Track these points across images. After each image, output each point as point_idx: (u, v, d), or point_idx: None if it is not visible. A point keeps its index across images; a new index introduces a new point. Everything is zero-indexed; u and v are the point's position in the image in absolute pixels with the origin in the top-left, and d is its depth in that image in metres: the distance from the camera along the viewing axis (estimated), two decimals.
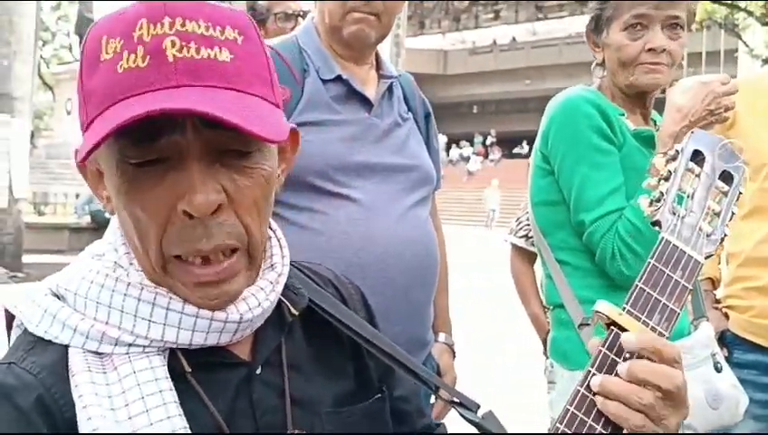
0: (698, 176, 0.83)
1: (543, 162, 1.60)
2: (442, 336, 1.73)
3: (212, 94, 0.65)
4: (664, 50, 1.52)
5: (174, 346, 0.71)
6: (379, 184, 1.46)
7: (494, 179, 24.95)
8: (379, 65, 1.60)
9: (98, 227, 12.70)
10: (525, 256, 2.66)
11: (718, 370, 1.55)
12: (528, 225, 2.62)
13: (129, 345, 0.70)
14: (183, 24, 0.66)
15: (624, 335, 0.74)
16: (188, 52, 0.66)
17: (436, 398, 0.88)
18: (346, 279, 0.94)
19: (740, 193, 0.84)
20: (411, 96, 1.65)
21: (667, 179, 0.83)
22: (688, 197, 0.82)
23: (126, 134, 0.64)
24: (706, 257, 0.80)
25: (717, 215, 0.82)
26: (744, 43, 19.50)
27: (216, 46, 0.67)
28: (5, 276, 8.99)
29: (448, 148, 37.42)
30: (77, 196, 14.00)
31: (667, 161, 0.84)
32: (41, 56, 27.32)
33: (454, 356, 1.75)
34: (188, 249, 0.68)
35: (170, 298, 0.70)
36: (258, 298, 0.74)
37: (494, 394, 4.61)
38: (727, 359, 1.71)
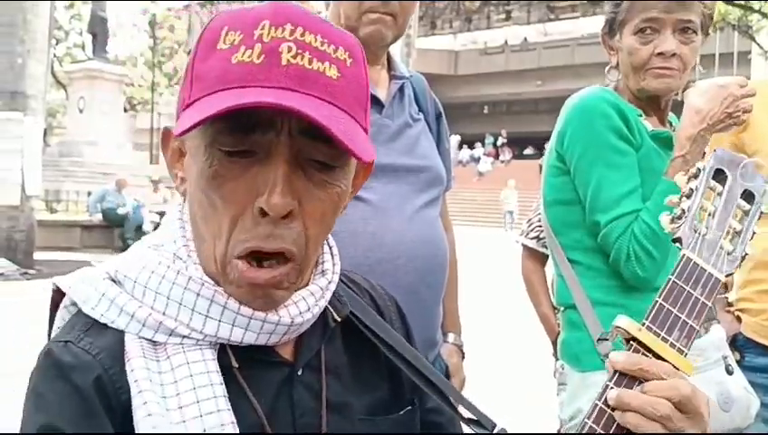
0: (720, 194, 0.84)
1: (558, 161, 1.59)
2: (451, 337, 1.73)
3: (315, 104, 0.67)
4: (674, 54, 1.51)
5: (226, 342, 0.73)
6: (389, 184, 1.46)
7: (511, 180, 24.83)
8: (390, 66, 1.60)
9: (109, 224, 12.80)
10: (536, 257, 2.66)
11: (730, 372, 1.55)
12: (539, 226, 2.62)
13: (184, 337, 0.71)
14: (302, 34, 0.69)
15: (612, 354, 0.75)
16: (302, 60, 0.69)
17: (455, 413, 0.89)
18: (382, 289, 0.96)
19: (761, 213, 0.84)
20: (423, 96, 1.65)
21: (688, 197, 0.83)
22: (710, 215, 0.82)
23: (224, 121, 0.67)
24: (727, 276, 0.81)
25: (738, 234, 0.83)
26: (758, 44, 19.39)
27: (327, 61, 0.70)
28: (17, 273, 9.06)
29: (461, 147, 37.42)
30: (89, 194, 14.07)
31: (689, 179, 0.85)
32: (54, 55, 27.50)
33: (463, 357, 1.75)
34: (253, 245, 0.69)
35: (228, 297, 0.72)
36: (308, 302, 0.76)
37: (503, 395, 4.61)
38: (739, 362, 1.70)
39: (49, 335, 0.77)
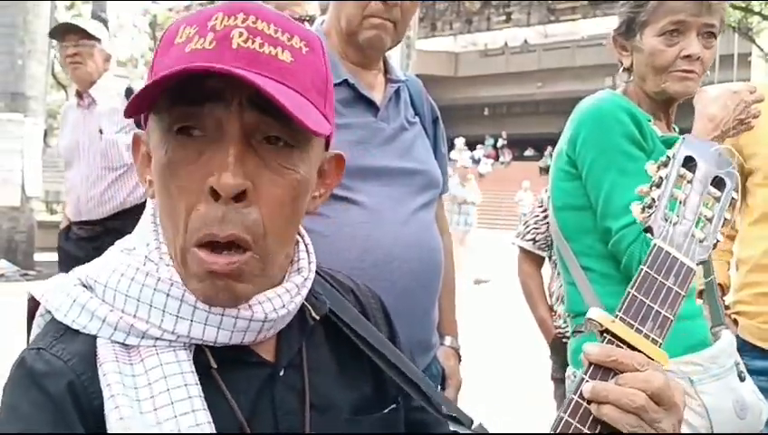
0: (690, 182, 0.83)
1: (569, 166, 1.57)
2: (448, 340, 1.72)
3: (264, 80, 0.67)
4: (698, 57, 1.50)
5: (200, 343, 0.72)
6: (384, 187, 1.46)
7: (526, 181, 24.73)
8: (386, 69, 1.60)
9: None
10: (533, 260, 2.66)
11: (742, 379, 1.53)
12: (536, 228, 2.63)
13: (156, 339, 0.71)
14: (254, 22, 0.71)
15: (585, 346, 0.75)
16: (252, 44, 0.70)
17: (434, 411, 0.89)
18: (367, 289, 0.95)
19: (733, 199, 0.84)
20: (419, 100, 1.65)
21: (658, 186, 0.83)
22: (680, 203, 0.82)
23: (174, 98, 0.68)
24: (699, 264, 0.80)
25: (710, 221, 0.82)
26: (758, 46, 19.35)
27: (280, 47, 0.71)
28: (18, 274, 9.05)
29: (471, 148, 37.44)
30: None
31: (659, 167, 0.84)
32: (55, 56, 27.49)
33: (460, 360, 1.74)
34: (206, 231, 0.68)
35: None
36: (283, 300, 0.76)
37: (499, 397, 4.60)
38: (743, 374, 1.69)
39: (28, 344, 0.77)
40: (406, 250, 1.44)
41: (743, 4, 16.68)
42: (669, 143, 1.53)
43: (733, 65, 28.45)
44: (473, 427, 0.85)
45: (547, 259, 2.74)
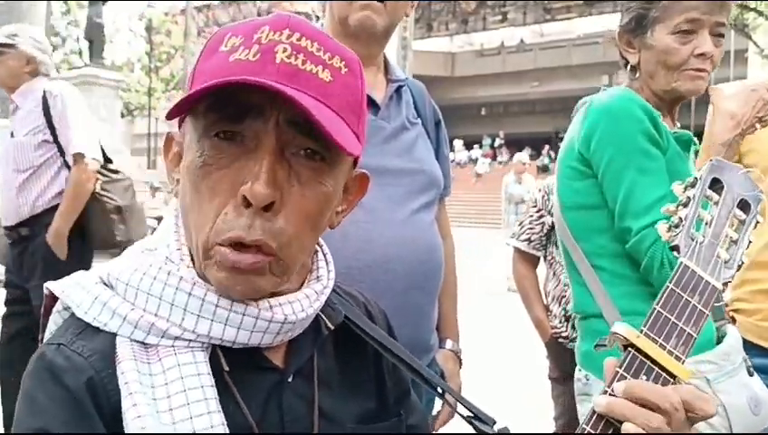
0: (717, 203, 0.85)
1: (581, 164, 1.52)
2: (448, 343, 1.71)
3: (303, 97, 0.69)
4: (711, 56, 1.49)
5: (218, 342, 0.73)
6: (382, 186, 1.44)
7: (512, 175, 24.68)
8: (387, 69, 1.59)
9: None
10: (528, 260, 2.66)
11: (750, 374, 1.52)
12: (531, 228, 2.62)
13: (176, 338, 0.72)
14: (299, 39, 0.72)
15: (617, 385, 0.74)
16: (295, 60, 0.71)
17: (441, 410, 0.90)
18: (375, 303, 0.97)
19: (757, 222, 0.85)
20: (421, 103, 1.64)
21: (685, 205, 0.84)
22: (706, 224, 0.83)
23: (216, 109, 0.70)
24: (724, 284, 0.81)
25: (734, 242, 0.83)
26: (755, 43, 19.40)
27: (321, 65, 0.73)
28: None
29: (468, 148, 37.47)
30: None
31: (686, 187, 0.86)
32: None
33: (460, 364, 1.73)
34: (234, 235, 0.70)
35: (220, 296, 0.73)
36: (303, 304, 0.77)
37: (495, 397, 4.60)
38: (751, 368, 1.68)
39: (40, 340, 0.78)
40: (403, 250, 1.43)
41: (738, 2, 16.71)
42: (681, 139, 1.52)
43: (729, 62, 28.50)
44: (496, 427, 0.86)
45: (542, 259, 2.73)
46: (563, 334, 2.60)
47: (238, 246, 0.70)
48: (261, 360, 0.77)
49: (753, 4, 16.99)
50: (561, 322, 2.60)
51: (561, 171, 1.59)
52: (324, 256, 0.86)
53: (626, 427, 0.72)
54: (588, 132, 1.50)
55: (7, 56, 3.09)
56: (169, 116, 0.72)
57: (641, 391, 0.73)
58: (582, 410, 1.60)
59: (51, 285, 0.77)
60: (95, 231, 3.02)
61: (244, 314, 0.73)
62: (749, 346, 1.80)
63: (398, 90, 1.58)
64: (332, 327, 0.83)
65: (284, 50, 0.71)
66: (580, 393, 1.60)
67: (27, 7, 9.11)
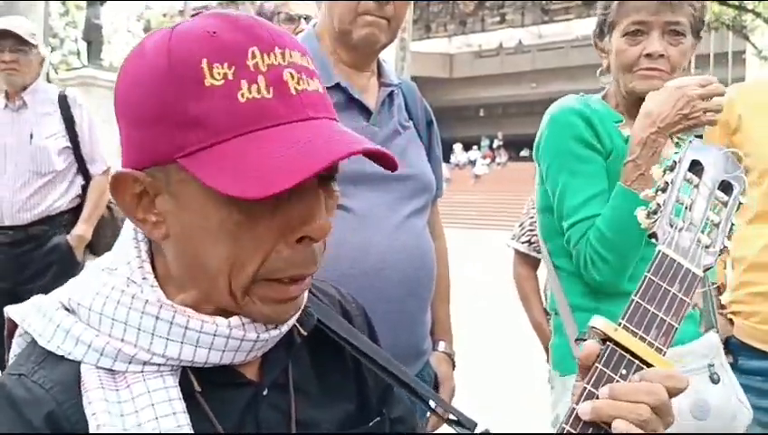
0: (697, 186, 0.82)
1: (540, 170, 1.64)
2: (442, 345, 1.71)
3: (335, 126, 0.69)
4: (661, 55, 1.51)
5: (189, 364, 0.71)
6: (375, 193, 1.44)
7: None
8: (380, 73, 1.58)
9: None
10: (528, 262, 2.63)
11: (714, 381, 1.52)
12: (531, 230, 2.61)
13: (144, 363, 0.69)
14: (291, 55, 0.69)
15: (601, 391, 0.73)
16: (303, 84, 0.68)
17: (431, 414, 0.88)
18: (351, 298, 0.95)
19: (740, 204, 0.82)
20: (413, 103, 1.63)
21: (664, 190, 0.81)
22: (686, 208, 0.80)
23: None
24: (705, 270, 0.79)
25: (717, 226, 0.81)
26: (753, 44, 19.42)
27: (314, 77, 0.71)
28: None
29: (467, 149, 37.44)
30: None
31: (665, 172, 0.83)
32: (49, 62, 27.43)
33: (454, 366, 1.73)
34: (296, 272, 0.71)
35: (189, 317, 0.70)
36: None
37: (495, 401, 4.60)
38: (732, 365, 1.68)
39: (3, 365, 0.75)
40: (397, 258, 1.42)
41: (736, 3, 16.74)
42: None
43: (727, 63, 28.54)
44: (477, 430, 0.84)
45: (543, 261, 2.72)
46: None
47: (294, 279, 0.71)
48: (233, 376, 0.74)
49: (750, 6, 17.00)
50: None
51: (537, 176, 1.68)
52: None
53: (617, 426, 0.70)
54: (537, 141, 1.63)
55: (32, 55, 3.12)
56: (265, 197, 0.63)
57: (626, 395, 0.71)
58: (552, 402, 1.67)
59: (10, 311, 0.74)
60: (102, 238, 3.13)
61: (215, 335, 0.70)
62: (747, 349, 1.80)
63: (391, 93, 1.56)
64: (305, 334, 0.81)
65: (291, 76, 0.67)
66: (550, 387, 1.68)
67: (25, 7, 9.09)
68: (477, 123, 44.17)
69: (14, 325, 0.75)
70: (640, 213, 0.83)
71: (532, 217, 2.65)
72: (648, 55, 1.51)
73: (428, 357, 1.59)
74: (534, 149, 1.64)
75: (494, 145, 38.87)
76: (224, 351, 0.71)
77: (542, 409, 2.83)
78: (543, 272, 2.74)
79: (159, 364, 0.70)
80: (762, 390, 1.73)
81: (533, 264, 2.62)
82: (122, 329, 0.69)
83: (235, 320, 0.72)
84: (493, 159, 37.47)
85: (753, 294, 1.82)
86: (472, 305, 8.64)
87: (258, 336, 0.72)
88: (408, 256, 1.44)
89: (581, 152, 1.52)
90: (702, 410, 1.47)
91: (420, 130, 1.63)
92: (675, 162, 0.83)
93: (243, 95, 0.65)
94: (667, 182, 0.82)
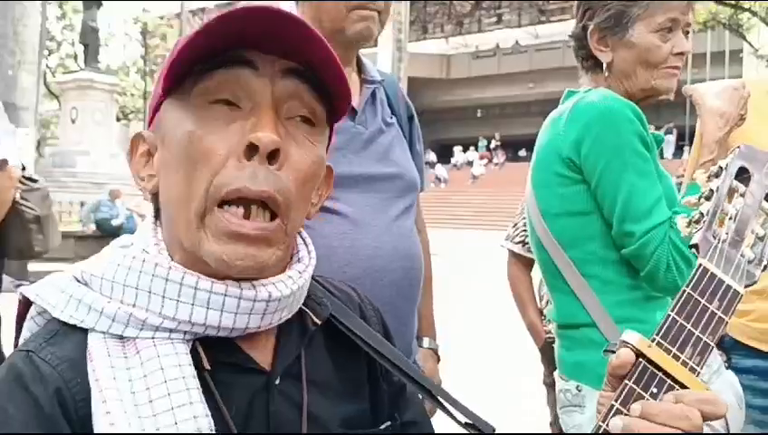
0: (743, 195, 0.76)
1: (570, 171, 1.48)
2: (426, 341, 1.71)
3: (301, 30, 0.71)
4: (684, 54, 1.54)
5: (202, 329, 0.70)
6: (363, 194, 1.44)
7: None
8: (360, 69, 1.56)
9: (103, 234, 12.74)
10: (523, 263, 2.60)
11: (727, 368, 1.55)
12: (525, 230, 2.59)
13: (156, 329, 0.69)
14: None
15: (634, 407, 0.69)
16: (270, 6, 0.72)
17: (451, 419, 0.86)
18: (368, 300, 0.94)
19: None
20: (395, 99, 1.62)
21: (708, 199, 0.76)
22: (730, 218, 0.75)
23: (206, 70, 0.71)
24: (747, 286, 0.74)
25: (761, 239, 0.75)
26: (749, 43, 19.43)
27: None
28: (12, 285, 9.02)
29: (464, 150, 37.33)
30: (82, 204, 14.03)
31: (710, 178, 0.78)
32: (47, 65, 27.37)
33: (438, 360, 1.74)
34: (239, 185, 0.68)
35: (198, 277, 0.70)
36: (286, 283, 0.74)
37: (491, 403, 4.59)
38: (726, 364, 1.70)
39: (17, 346, 0.76)
40: (388, 260, 1.42)
41: (733, 2, 16.75)
42: (658, 140, 1.53)
43: (724, 62, 28.56)
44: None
45: (537, 262, 2.71)
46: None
47: (240, 200, 0.68)
48: (245, 360, 0.74)
49: (747, 5, 17.02)
50: None
51: (541, 179, 1.55)
52: (303, 239, 0.83)
53: None
54: (579, 136, 1.46)
55: None
56: (167, 81, 0.72)
57: (659, 416, 0.67)
58: (570, 422, 1.54)
59: (25, 291, 0.74)
60: (13, 241, 2.79)
61: (225, 295, 0.69)
62: (742, 347, 1.80)
63: (374, 91, 1.55)
64: (319, 322, 0.80)
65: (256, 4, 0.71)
66: (567, 405, 1.54)
67: (21, 11, 9.09)
68: (475, 124, 44.14)
69: (24, 309, 0.76)
70: (681, 221, 0.78)
71: (525, 218, 2.64)
72: (679, 54, 1.51)
73: (415, 355, 1.59)
74: (570, 147, 1.47)
75: (492, 145, 38.88)
76: (236, 313, 0.70)
77: (539, 409, 2.83)
78: (537, 273, 2.74)
79: (171, 329, 0.69)
80: (755, 388, 1.73)
81: (527, 264, 2.60)
82: (134, 294, 0.70)
83: (245, 282, 0.71)
84: (490, 160, 37.47)
85: (747, 292, 1.83)
86: (470, 305, 8.64)
87: (270, 295, 0.71)
88: (398, 257, 1.44)
89: (643, 151, 1.43)
90: (740, 398, 1.49)
91: (402, 126, 1.62)
92: (720, 168, 0.78)
93: (209, 21, 0.69)
94: (711, 190, 0.77)
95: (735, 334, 1.83)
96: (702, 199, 0.77)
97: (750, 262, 0.74)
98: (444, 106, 44.10)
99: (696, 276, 0.73)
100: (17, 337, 0.77)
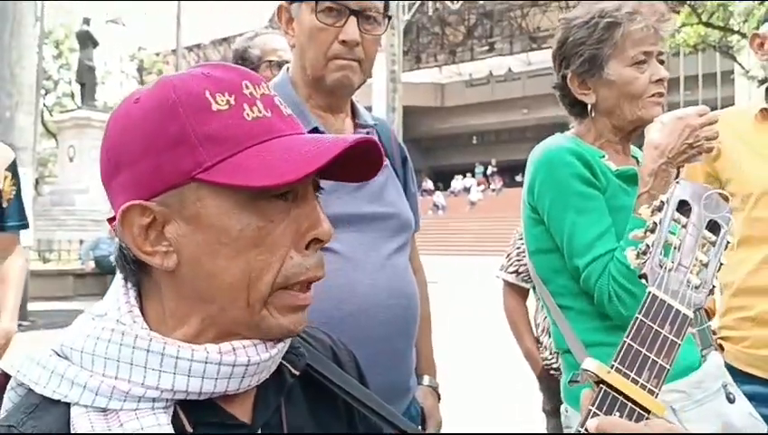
0: (685, 226, 0.82)
1: (533, 212, 1.62)
2: (426, 379, 1.72)
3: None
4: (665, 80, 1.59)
5: (183, 396, 0.71)
6: (356, 234, 1.46)
7: None
8: (354, 114, 1.60)
9: (102, 272, 12.72)
10: (517, 292, 2.64)
11: (731, 401, 1.53)
12: (518, 260, 2.62)
13: (140, 399, 0.70)
14: (270, 90, 0.78)
15: (589, 422, 0.73)
16: (287, 109, 0.78)
17: None
18: (341, 344, 0.96)
19: (728, 243, 0.83)
20: (388, 142, 1.65)
21: (653, 231, 0.82)
22: (675, 248, 0.81)
23: None
24: (695, 311, 0.79)
25: (705, 266, 0.81)
26: (740, 64, 19.60)
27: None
28: None
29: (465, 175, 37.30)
30: (81, 242, 14.04)
31: (653, 212, 0.83)
32: (44, 104, 27.58)
33: (439, 399, 1.74)
34: (311, 275, 0.76)
35: (179, 347, 0.71)
36: (266, 345, 0.76)
37: (488, 427, 4.56)
38: (731, 396, 1.69)
39: None
40: (382, 297, 1.44)
41: (721, 24, 16.95)
42: (624, 176, 1.58)
43: (716, 83, 28.80)
44: None
45: (532, 291, 2.73)
46: (554, 366, 2.56)
47: (303, 286, 0.76)
48: (225, 417, 0.75)
49: (736, 27, 17.21)
50: (551, 353, 2.59)
51: (523, 219, 1.67)
52: None
53: None
54: (531, 182, 1.61)
55: None
56: (266, 187, 0.70)
57: (613, 429, 0.71)
58: None
59: (3, 365, 0.75)
60: None
61: (206, 362, 0.71)
62: (738, 374, 1.80)
63: (367, 135, 1.59)
64: (297, 373, 0.82)
65: (280, 103, 0.77)
66: (565, 426, 1.65)
67: (18, 52, 9.17)
68: (471, 150, 44.36)
69: (4, 381, 0.76)
70: (630, 253, 0.83)
71: (518, 248, 2.67)
72: (659, 81, 1.57)
73: (414, 393, 1.60)
74: (527, 192, 1.62)
75: (488, 172, 39.02)
76: (216, 378, 0.72)
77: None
78: (532, 302, 2.76)
79: (154, 398, 0.71)
80: None
81: (522, 293, 2.64)
82: (115, 366, 0.71)
83: (225, 345, 0.73)
84: (487, 186, 37.57)
85: (741, 319, 1.83)
86: (468, 333, 8.60)
87: (249, 360, 0.73)
88: (393, 295, 1.46)
89: (583, 190, 1.53)
90: (731, 431, 1.48)
91: (396, 168, 1.65)
92: (662, 202, 0.83)
93: (248, 115, 0.73)
94: (655, 222, 0.82)
95: (732, 361, 1.83)
96: (647, 232, 0.82)
97: (696, 287, 0.80)
98: (439, 134, 44.36)
99: (647, 304, 0.78)
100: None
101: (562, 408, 1.66)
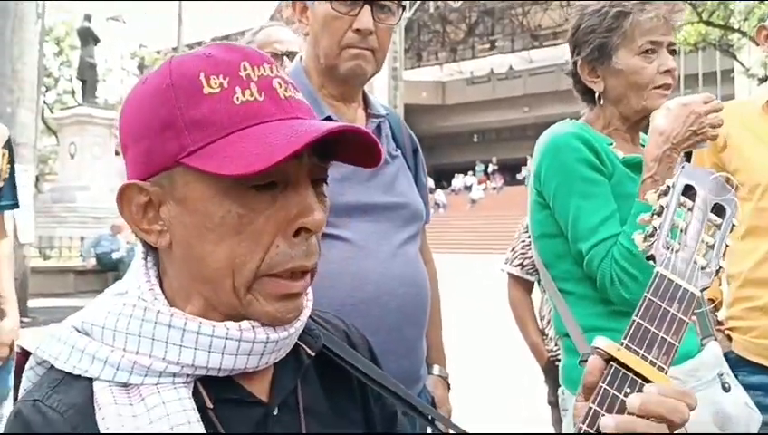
0: (691, 210, 0.84)
1: (539, 197, 1.63)
2: (436, 369, 1.73)
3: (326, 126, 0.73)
4: (674, 71, 1.59)
5: (204, 372, 0.72)
6: (369, 223, 1.47)
7: None
8: (366, 104, 1.61)
9: (103, 269, 12.74)
10: (522, 285, 2.66)
11: (726, 390, 1.54)
12: (523, 253, 2.64)
13: (160, 374, 0.71)
14: (277, 69, 0.76)
15: (632, 399, 0.73)
16: (290, 92, 0.76)
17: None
18: (354, 329, 0.97)
19: (733, 225, 0.85)
20: (399, 133, 1.66)
21: (659, 214, 0.84)
22: (681, 231, 0.83)
23: None
24: (702, 290, 0.81)
25: (711, 247, 0.83)
26: (740, 63, 19.60)
27: (298, 91, 0.78)
28: None
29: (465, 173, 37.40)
30: (82, 239, 14.05)
31: (659, 196, 0.86)
32: (44, 102, 27.60)
33: (449, 388, 1.75)
34: (297, 264, 0.74)
35: (200, 323, 0.72)
36: (286, 326, 0.77)
37: (496, 424, 4.57)
38: (726, 385, 1.69)
39: (16, 398, 0.77)
40: (393, 285, 1.44)
41: (721, 22, 16.95)
42: (631, 163, 1.58)
43: (716, 82, 28.82)
44: None
45: (536, 283, 2.74)
46: (560, 358, 2.58)
47: (295, 274, 0.74)
48: (244, 395, 0.76)
49: (736, 25, 17.21)
50: (556, 345, 2.60)
51: (529, 205, 1.69)
52: None
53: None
54: (537, 168, 1.62)
55: None
56: (240, 175, 0.68)
57: (657, 407, 0.71)
58: (565, 423, 1.67)
59: (24, 343, 0.75)
60: None
61: (226, 338, 0.72)
62: (747, 364, 1.81)
63: (379, 125, 1.59)
64: (313, 354, 0.83)
65: (279, 84, 0.74)
66: (561, 408, 1.69)
67: (19, 49, 9.18)
68: (471, 148, 44.40)
69: (23, 360, 0.77)
70: (637, 236, 0.85)
71: (523, 241, 2.68)
72: (666, 72, 1.58)
73: (425, 381, 1.61)
74: (533, 177, 1.64)
75: (489, 170, 39.04)
76: (236, 355, 0.73)
77: (543, 429, 2.82)
78: (537, 295, 2.77)
79: (174, 373, 0.71)
80: (761, 404, 1.73)
81: (527, 287, 2.65)
82: (136, 342, 0.72)
83: (245, 323, 0.74)
84: (488, 184, 37.58)
85: (749, 310, 1.84)
86: (473, 328, 8.62)
87: (268, 337, 0.74)
88: (404, 283, 1.46)
89: (589, 175, 1.54)
90: (723, 419, 1.50)
91: (407, 158, 1.66)
92: (668, 187, 0.86)
93: (237, 99, 0.72)
94: (662, 206, 0.84)
95: (740, 351, 1.84)
96: (654, 216, 0.85)
97: (702, 268, 0.82)
98: (440, 132, 44.38)
99: (655, 283, 0.80)
100: (16, 388, 0.78)
101: (559, 391, 1.69)
